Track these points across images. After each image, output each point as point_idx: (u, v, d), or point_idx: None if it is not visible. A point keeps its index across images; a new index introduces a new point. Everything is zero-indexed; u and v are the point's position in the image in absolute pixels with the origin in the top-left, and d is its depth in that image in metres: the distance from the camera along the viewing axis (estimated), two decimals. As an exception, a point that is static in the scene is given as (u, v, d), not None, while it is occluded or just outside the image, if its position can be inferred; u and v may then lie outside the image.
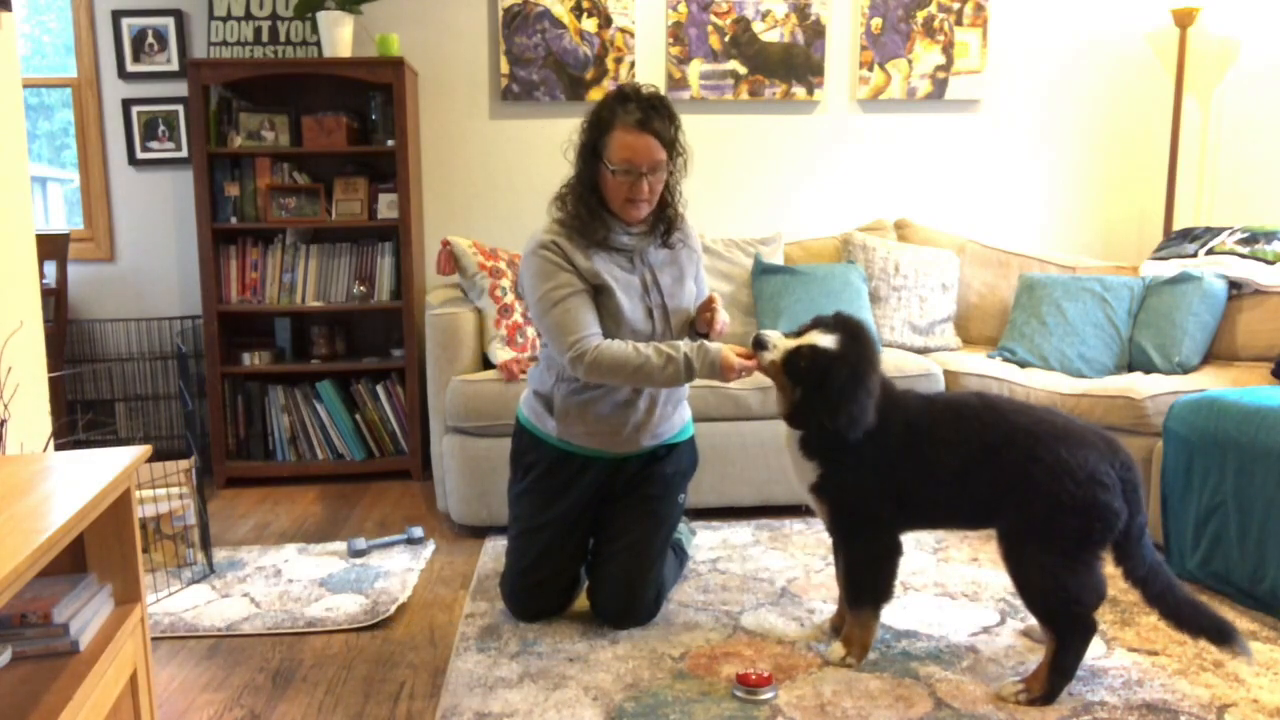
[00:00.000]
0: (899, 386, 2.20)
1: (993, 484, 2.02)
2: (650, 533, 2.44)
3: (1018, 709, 2.00)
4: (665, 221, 2.42)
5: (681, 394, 2.52)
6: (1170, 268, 3.53)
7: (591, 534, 2.52)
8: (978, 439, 2.04)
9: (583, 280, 2.31)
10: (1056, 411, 2.11)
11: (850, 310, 3.44)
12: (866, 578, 2.18)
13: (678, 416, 2.52)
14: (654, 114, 2.29)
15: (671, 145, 2.32)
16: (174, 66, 3.93)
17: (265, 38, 3.83)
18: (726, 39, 4.05)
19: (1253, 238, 3.45)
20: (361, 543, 2.99)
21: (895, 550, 2.17)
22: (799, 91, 4.11)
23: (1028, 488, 1.98)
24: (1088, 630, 2.01)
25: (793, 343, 2.11)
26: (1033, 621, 2.25)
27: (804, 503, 3.31)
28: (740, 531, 3.16)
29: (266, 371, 3.82)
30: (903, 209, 4.24)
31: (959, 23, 4.12)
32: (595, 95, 4.03)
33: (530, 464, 2.48)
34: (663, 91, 4.04)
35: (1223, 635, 1.96)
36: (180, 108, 3.94)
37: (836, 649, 2.20)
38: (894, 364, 3.31)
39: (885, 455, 2.09)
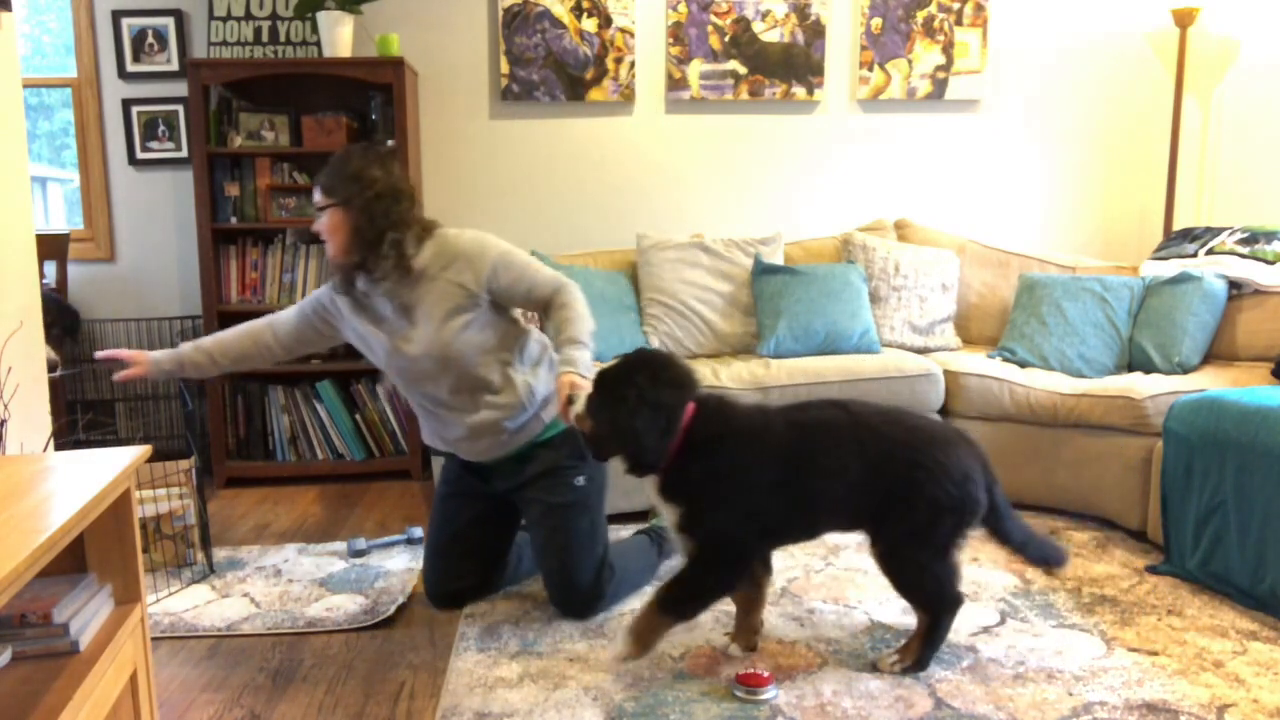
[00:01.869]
0: (757, 412, 2.18)
1: (877, 497, 2.09)
2: (566, 522, 2.44)
3: (1018, 709, 2.00)
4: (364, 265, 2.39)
5: (521, 422, 2.47)
6: (1170, 268, 3.53)
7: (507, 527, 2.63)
8: (859, 460, 2.08)
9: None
10: (909, 412, 2.24)
11: (849, 310, 3.45)
12: (702, 602, 2.17)
13: (523, 435, 2.49)
14: (326, 169, 2.40)
15: (329, 191, 2.36)
16: (174, 66, 3.93)
17: (265, 38, 3.83)
18: (726, 39, 4.05)
19: (1253, 238, 3.45)
20: (361, 543, 2.99)
21: (738, 575, 2.17)
22: (799, 91, 4.11)
23: (912, 495, 2.06)
24: (957, 605, 2.16)
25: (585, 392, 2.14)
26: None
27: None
28: (740, 531, 3.15)
29: (266, 371, 3.82)
30: (903, 209, 4.24)
31: (959, 23, 4.12)
32: (595, 95, 4.03)
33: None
34: (662, 91, 4.08)
35: (1060, 561, 2.25)
36: (180, 108, 3.95)
37: (619, 641, 2.18)
38: (894, 364, 3.31)
39: (756, 490, 2.08)
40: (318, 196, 2.36)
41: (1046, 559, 2.30)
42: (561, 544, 2.44)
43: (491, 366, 2.42)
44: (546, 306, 2.42)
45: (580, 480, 2.48)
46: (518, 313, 2.54)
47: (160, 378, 2.57)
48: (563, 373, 2.23)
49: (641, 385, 2.05)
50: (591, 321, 2.38)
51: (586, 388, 2.16)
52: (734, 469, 2.07)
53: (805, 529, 2.23)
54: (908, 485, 2.06)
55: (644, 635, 2.14)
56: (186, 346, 2.55)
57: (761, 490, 2.08)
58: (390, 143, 3.73)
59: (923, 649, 2.16)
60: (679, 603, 2.13)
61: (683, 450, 2.07)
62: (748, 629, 2.28)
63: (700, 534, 2.10)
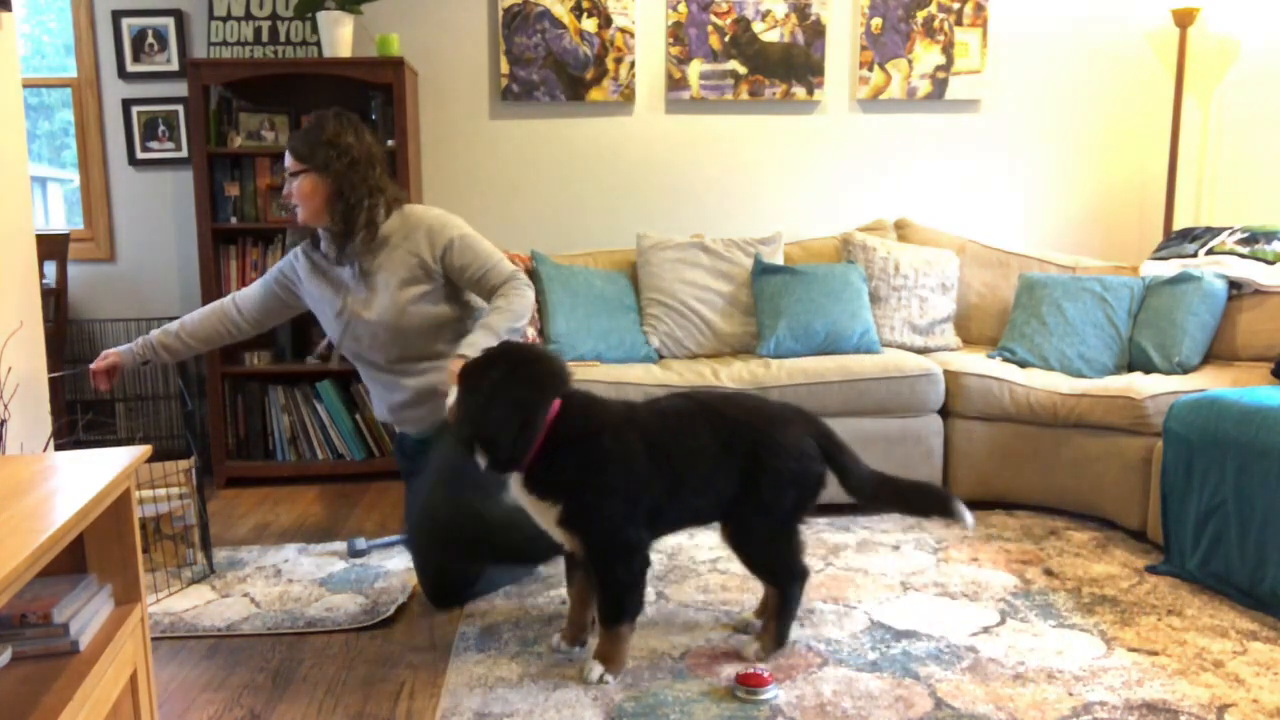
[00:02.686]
0: (622, 406, 2.20)
1: (733, 478, 2.15)
2: (443, 459, 2.43)
3: (1018, 709, 2.00)
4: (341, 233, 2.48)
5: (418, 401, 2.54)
6: (1170, 268, 3.53)
7: None
8: (714, 441, 2.15)
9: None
10: (749, 394, 2.33)
11: (849, 310, 3.45)
12: (628, 597, 2.15)
13: (428, 410, 2.54)
14: (300, 134, 2.46)
15: (303, 157, 2.41)
16: (174, 66, 3.93)
17: (265, 38, 3.83)
18: (726, 39, 4.05)
19: (1253, 238, 3.45)
20: (361, 543, 2.99)
21: (648, 563, 2.17)
22: (799, 91, 4.11)
23: (759, 473, 2.14)
24: (804, 576, 2.25)
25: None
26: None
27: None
28: (740, 531, 3.15)
29: (266, 371, 3.82)
30: (903, 209, 4.24)
31: (959, 23, 4.12)
32: (595, 95, 4.04)
33: None
34: (662, 91, 4.08)
35: (945, 506, 2.24)
36: (180, 108, 3.95)
37: (593, 667, 2.13)
38: (894, 364, 3.31)
39: (631, 479, 2.09)
40: (290, 161, 2.40)
41: (941, 511, 2.27)
42: (433, 468, 2.42)
43: (441, 338, 2.49)
44: (491, 298, 2.46)
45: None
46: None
47: (136, 366, 2.62)
48: (455, 356, 2.25)
49: (496, 381, 2.04)
50: (520, 321, 2.42)
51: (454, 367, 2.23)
52: (608, 462, 2.08)
53: (683, 515, 2.25)
54: (753, 462, 2.14)
55: (607, 653, 2.15)
56: (155, 333, 2.60)
57: (636, 479, 2.09)
58: (390, 143, 3.73)
59: (779, 626, 2.24)
60: (612, 608, 2.14)
61: (548, 447, 2.05)
62: (578, 624, 2.29)
63: (588, 529, 2.10)
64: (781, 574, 2.23)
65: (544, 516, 2.12)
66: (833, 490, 3.24)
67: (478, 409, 2.03)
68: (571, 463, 2.07)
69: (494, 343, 2.28)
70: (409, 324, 2.47)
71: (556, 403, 2.08)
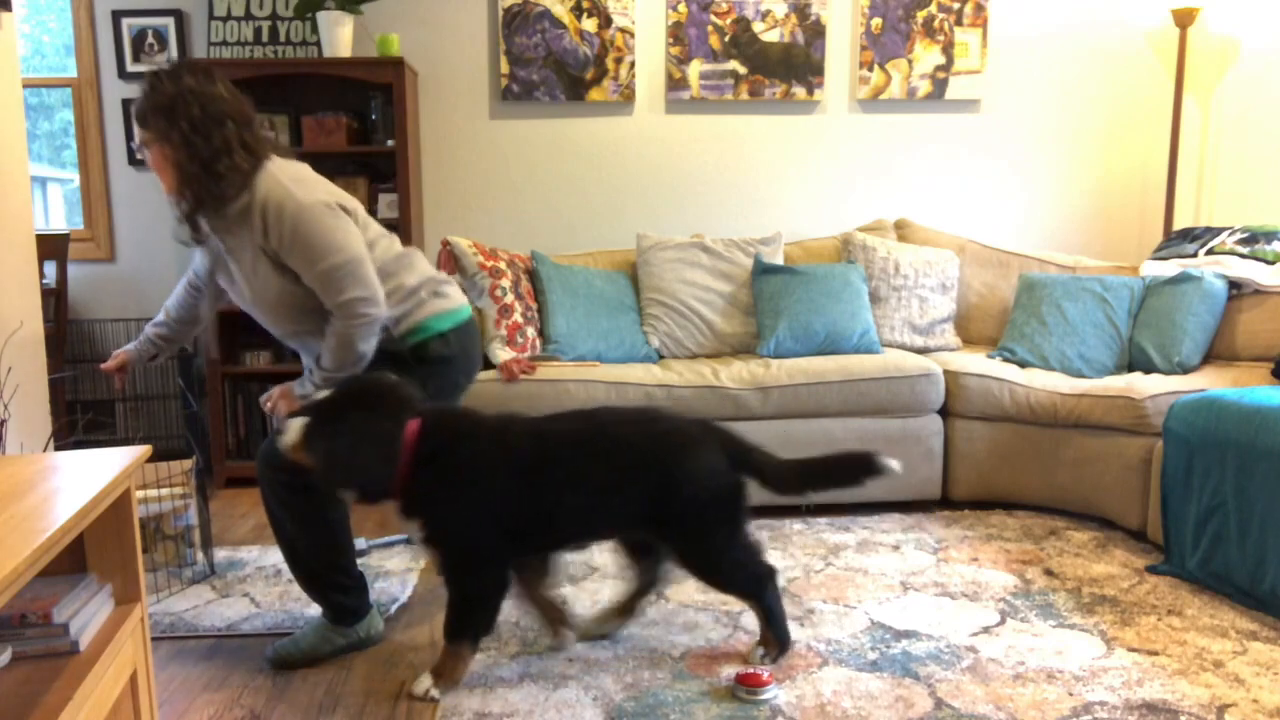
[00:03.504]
0: (491, 423, 2.11)
1: (635, 504, 2.09)
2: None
3: (1018, 709, 2.00)
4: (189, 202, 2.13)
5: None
6: (1170, 268, 3.53)
7: None
8: (608, 466, 2.08)
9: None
10: (653, 413, 2.21)
11: (849, 310, 3.45)
12: (477, 614, 2.12)
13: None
14: (140, 98, 2.08)
15: (143, 120, 2.06)
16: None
17: (265, 38, 3.83)
18: (726, 39, 4.05)
19: (1253, 238, 3.45)
20: (361, 543, 2.99)
21: (505, 585, 2.13)
22: (799, 91, 4.11)
23: (670, 498, 2.08)
24: (772, 577, 2.21)
25: (299, 423, 2.06)
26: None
27: (804, 502, 3.33)
28: (740, 531, 3.15)
29: (266, 371, 3.82)
30: (903, 209, 4.24)
31: (959, 23, 4.12)
32: (595, 95, 4.03)
33: None
34: (662, 91, 4.08)
35: (870, 464, 2.22)
36: (180, 108, 3.94)
37: (422, 680, 2.11)
38: (894, 364, 3.31)
39: (489, 497, 2.04)
40: (137, 131, 2.09)
41: (868, 472, 2.25)
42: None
43: (314, 315, 2.19)
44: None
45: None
46: (380, 237, 2.26)
47: (145, 361, 2.48)
48: (283, 386, 2.18)
49: (356, 419, 1.99)
50: (347, 357, 2.13)
51: (290, 407, 2.13)
52: (463, 479, 2.03)
53: (560, 536, 2.20)
54: (665, 496, 2.08)
55: (441, 668, 2.12)
56: (148, 327, 2.48)
57: (495, 497, 2.04)
58: (390, 143, 3.73)
59: (774, 631, 2.22)
60: (455, 624, 2.11)
61: (412, 469, 2.02)
62: (549, 618, 2.31)
63: (442, 544, 2.07)
64: (749, 584, 2.19)
65: (413, 534, 2.09)
66: (833, 491, 3.25)
67: (345, 451, 1.98)
68: (431, 479, 2.03)
69: (316, 383, 2.15)
70: (283, 308, 2.17)
71: (414, 424, 2.03)
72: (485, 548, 2.08)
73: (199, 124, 2.03)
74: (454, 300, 2.35)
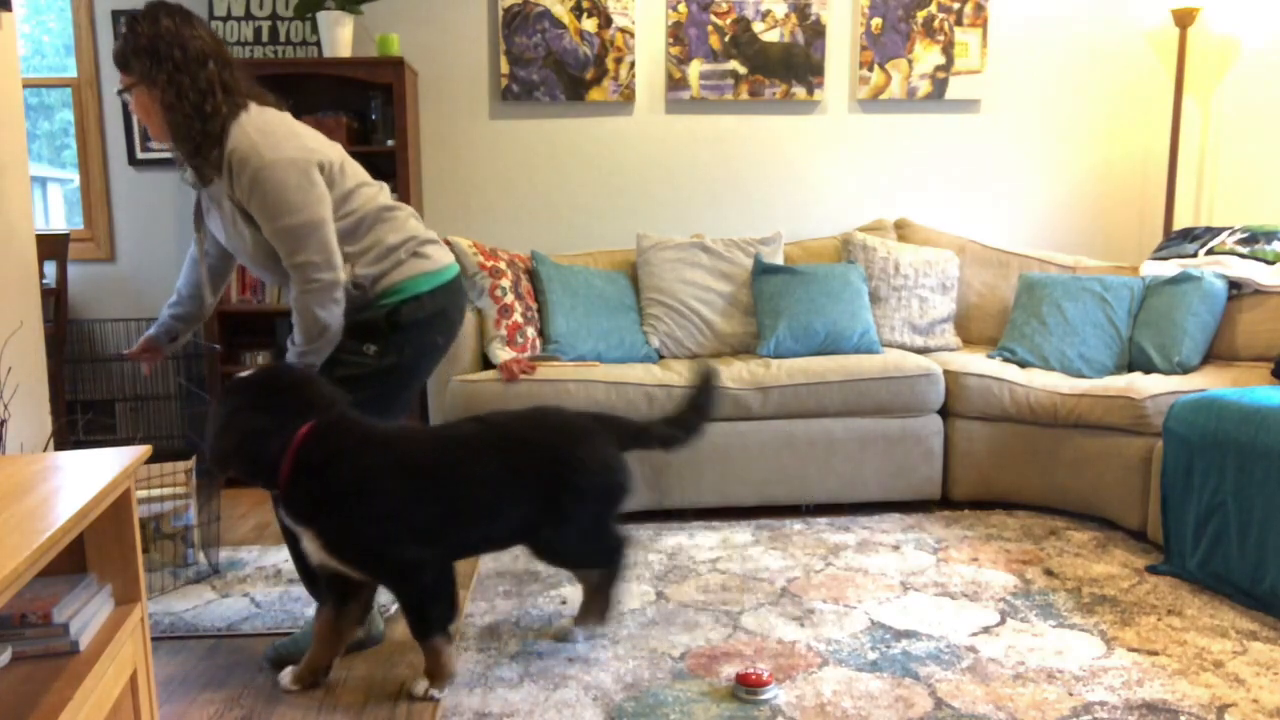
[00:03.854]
0: (385, 432, 2.08)
1: (532, 502, 2.12)
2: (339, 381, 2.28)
3: (1018, 709, 2.00)
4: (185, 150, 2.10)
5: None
6: (1170, 268, 3.53)
7: None
8: (504, 467, 2.10)
9: None
10: (547, 411, 2.27)
11: (849, 310, 3.44)
12: (430, 611, 2.09)
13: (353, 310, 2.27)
14: (120, 42, 2.04)
15: (125, 64, 2.02)
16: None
17: (265, 38, 3.83)
18: (726, 39, 4.05)
19: (1253, 238, 3.45)
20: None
21: (445, 577, 2.11)
22: (799, 91, 4.11)
23: (560, 492, 2.13)
24: (624, 546, 2.30)
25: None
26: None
27: (804, 502, 3.34)
28: (740, 531, 3.16)
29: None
30: (903, 209, 4.24)
31: (959, 23, 4.12)
32: (595, 95, 4.03)
33: None
34: (662, 91, 4.08)
35: (709, 377, 2.43)
36: (180, 108, 3.94)
37: (419, 683, 2.12)
38: (894, 364, 3.31)
39: (386, 505, 2.00)
40: (120, 77, 2.06)
41: (708, 386, 2.45)
42: None
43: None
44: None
45: (370, 349, 2.20)
46: (358, 193, 2.21)
47: (167, 343, 2.44)
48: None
49: (236, 406, 2.00)
50: (310, 328, 2.12)
51: None
52: (355, 488, 1.99)
53: (472, 542, 2.19)
54: (554, 482, 2.12)
55: (429, 668, 2.12)
56: (164, 310, 2.43)
57: (393, 505, 2.01)
58: (390, 143, 3.73)
59: (605, 598, 2.33)
60: (417, 624, 2.10)
61: (294, 472, 1.99)
62: (311, 665, 2.16)
63: (351, 556, 2.04)
64: (602, 557, 2.28)
65: (305, 541, 2.07)
66: (833, 490, 3.25)
67: (217, 431, 2.00)
68: (315, 487, 2.00)
69: (293, 359, 2.15)
70: (260, 257, 2.15)
71: (306, 427, 2.00)
72: (399, 550, 2.03)
73: (182, 64, 2.01)
74: (436, 261, 2.27)
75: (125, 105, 2.18)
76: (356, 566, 2.05)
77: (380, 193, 2.27)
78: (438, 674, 2.11)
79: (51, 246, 3.73)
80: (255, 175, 2.02)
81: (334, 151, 2.19)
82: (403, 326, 2.21)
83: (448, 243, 3.46)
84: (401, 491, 2.02)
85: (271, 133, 2.07)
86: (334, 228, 2.12)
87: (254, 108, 2.12)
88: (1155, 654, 2.25)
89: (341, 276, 2.12)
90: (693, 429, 2.39)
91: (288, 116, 2.18)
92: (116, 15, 3.90)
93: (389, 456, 2.03)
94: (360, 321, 2.20)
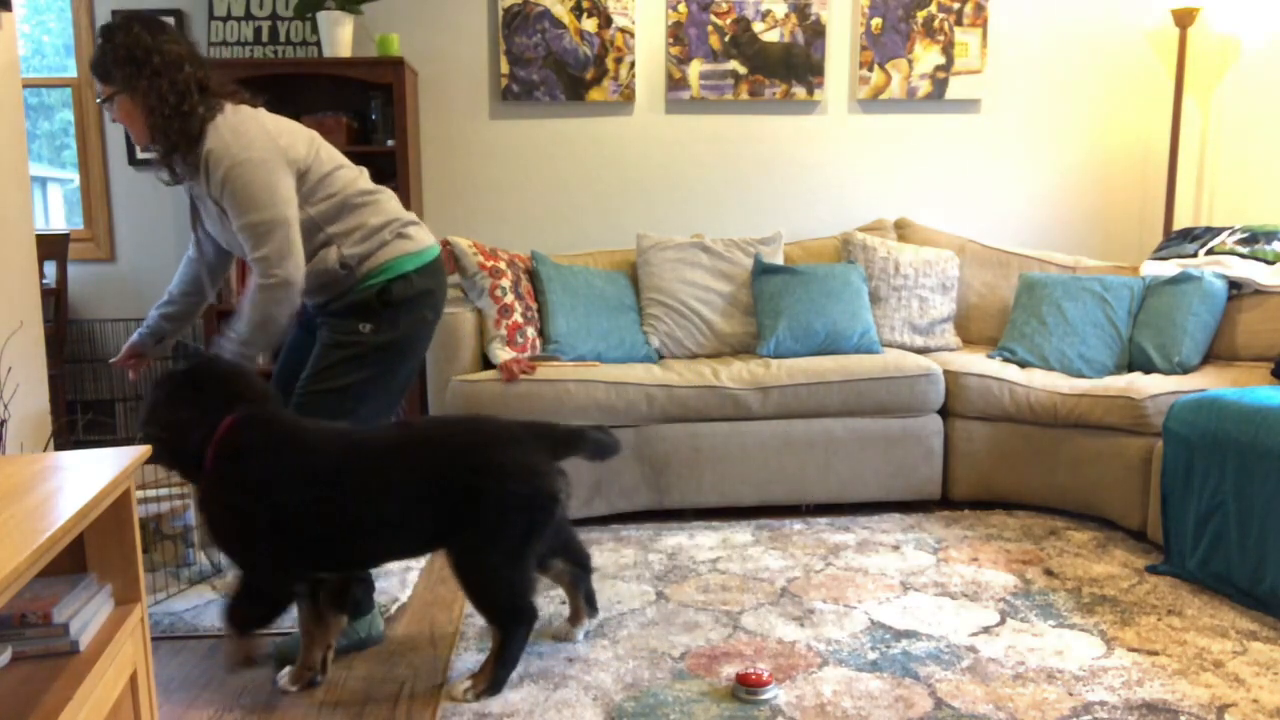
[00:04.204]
0: (306, 432, 2.06)
1: (443, 510, 2.01)
2: (323, 360, 2.32)
3: (1018, 709, 2.00)
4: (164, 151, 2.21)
5: (328, 281, 2.30)
6: (1170, 268, 3.53)
7: None
8: (420, 474, 2.01)
9: None
10: (480, 419, 2.15)
11: (849, 310, 3.45)
12: (255, 610, 2.08)
13: (339, 287, 2.34)
14: (98, 53, 2.15)
15: (105, 74, 2.14)
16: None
17: (265, 38, 3.82)
18: (726, 39, 4.05)
19: (1253, 238, 3.45)
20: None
21: (287, 594, 2.08)
22: (799, 91, 4.11)
23: (477, 498, 1.99)
24: (531, 619, 2.10)
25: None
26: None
27: (804, 502, 3.33)
28: (740, 531, 3.16)
29: (266, 371, 3.81)
30: (903, 209, 4.24)
31: (959, 23, 4.12)
32: (595, 95, 4.03)
33: None
34: (662, 91, 4.08)
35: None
36: (180, 108, 3.94)
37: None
38: (894, 364, 3.31)
39: (281, 508, 1.99)
40: (99, 86, 2.17)
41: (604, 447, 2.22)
42: (309, 372, 2.28)
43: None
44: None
45: (366, 328, 2.27)
46: (330, 179, 2.27)
47: (153, 345, 2.48)
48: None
49: (161, 396, 2.02)
50: (254, 318, 2.16)
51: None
52: (255, 485, 1.97)
53: (376, 551, 2.11)
54: (472, 490, 2.00)
55: (229, 654, 2.12)
56: (152, 311, 2.46)
57: (288, 509, 1.98)
58: (390, 143, 3.73)
59: (495, 669, 2.09)
60: (234, 611, 2.07)
61: (214, 464, 2.00)
62: (306, 664, 2.16)
63: (224, 548, 2.05)
64: (505, 612, 2.08)
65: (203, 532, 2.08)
66: (833, 490, 3.25)
67: (144, 420, 2.03)
68: (223, 481, 2.00)
69: (228, 348, 2.18)
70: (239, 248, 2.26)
71: (229, 420, 2.01)
72: (268, 556, 2.02)
73: (160, 69, 2.10)
74: (419, 242, 2.34)
75: (110, 114, 2.29)
76: (230, 556, 2.07)
77: (360, 177, 2.34)
78: (228, 660, 2.15)
79: (51, 246, 3.73)
80: (226, 174, 2.11)
81: (307, 140, 2.26)
82: (394, 303, 2.28)
83: (447, 243, 3.46)
84: (295, 499, 1.98)
85: (244, 133, 2.14)
86: (298, 229, 2.18)
87: (229, 107, 2.18)
88: (1155, 654, 2.25)
89: (298, 279, 2.16)
90: (612, 443, 2.22)
91: (261, 113, 2.24)
92: (116, 15, 3.89)
93: (295, 461, 2.00)
94: (354, 303, 2.27)
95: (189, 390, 2.03)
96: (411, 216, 2.39)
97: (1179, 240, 3.70)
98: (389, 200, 2.36)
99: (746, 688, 2.05)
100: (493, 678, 2.09)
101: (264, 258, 2.13)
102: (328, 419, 2.21)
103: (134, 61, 2.11)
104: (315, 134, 2.30)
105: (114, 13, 2.24)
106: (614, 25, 4.01)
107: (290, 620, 2.48)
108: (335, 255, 2.24)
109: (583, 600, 2.37)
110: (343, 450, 2.03)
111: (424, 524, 2.03)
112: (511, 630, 2.09)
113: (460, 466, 2.01)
